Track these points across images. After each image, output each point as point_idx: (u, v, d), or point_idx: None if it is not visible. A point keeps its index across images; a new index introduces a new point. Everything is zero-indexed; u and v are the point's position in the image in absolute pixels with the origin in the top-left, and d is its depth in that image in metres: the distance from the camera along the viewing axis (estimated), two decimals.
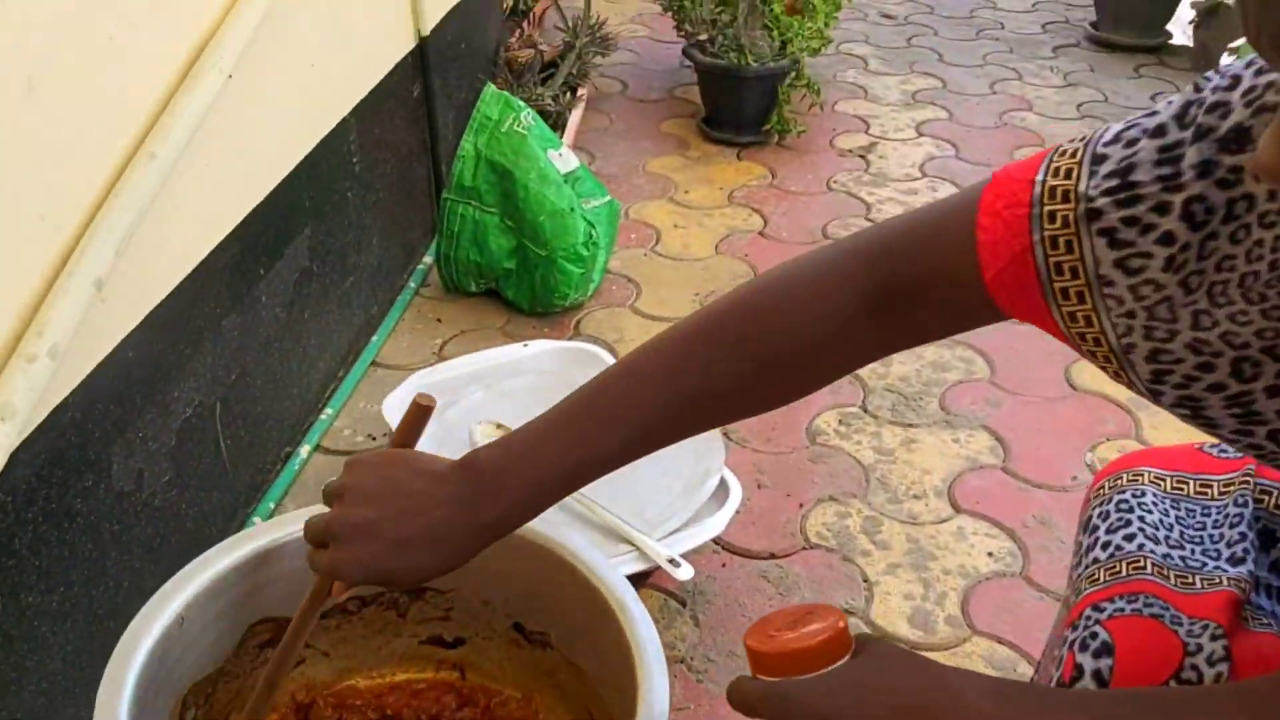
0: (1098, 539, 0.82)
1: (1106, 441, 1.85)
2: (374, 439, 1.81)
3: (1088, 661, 0.70)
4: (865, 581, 1.57)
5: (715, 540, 1.56)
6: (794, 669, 0.64)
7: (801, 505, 1.70)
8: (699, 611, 1.50)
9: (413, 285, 2.22)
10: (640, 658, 0.84)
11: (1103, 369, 0.61)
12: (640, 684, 0.82)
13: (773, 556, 1.60)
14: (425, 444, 1.47)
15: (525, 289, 2.10)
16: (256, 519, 1.61)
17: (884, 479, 1.76)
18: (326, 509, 0.77)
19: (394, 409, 1.62)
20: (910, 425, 1.88)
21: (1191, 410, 0.58)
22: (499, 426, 1.50)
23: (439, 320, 2.14)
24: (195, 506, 1.48)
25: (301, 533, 0.91)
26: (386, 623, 1.01)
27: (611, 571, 0.92)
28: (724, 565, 1.57)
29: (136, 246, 1.20)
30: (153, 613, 0.84)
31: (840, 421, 1.89)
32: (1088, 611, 0.75)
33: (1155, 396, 0.59)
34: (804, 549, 1.62)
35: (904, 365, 2.03)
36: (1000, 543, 1.64)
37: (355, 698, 1.00)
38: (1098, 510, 0.84)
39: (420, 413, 0.78)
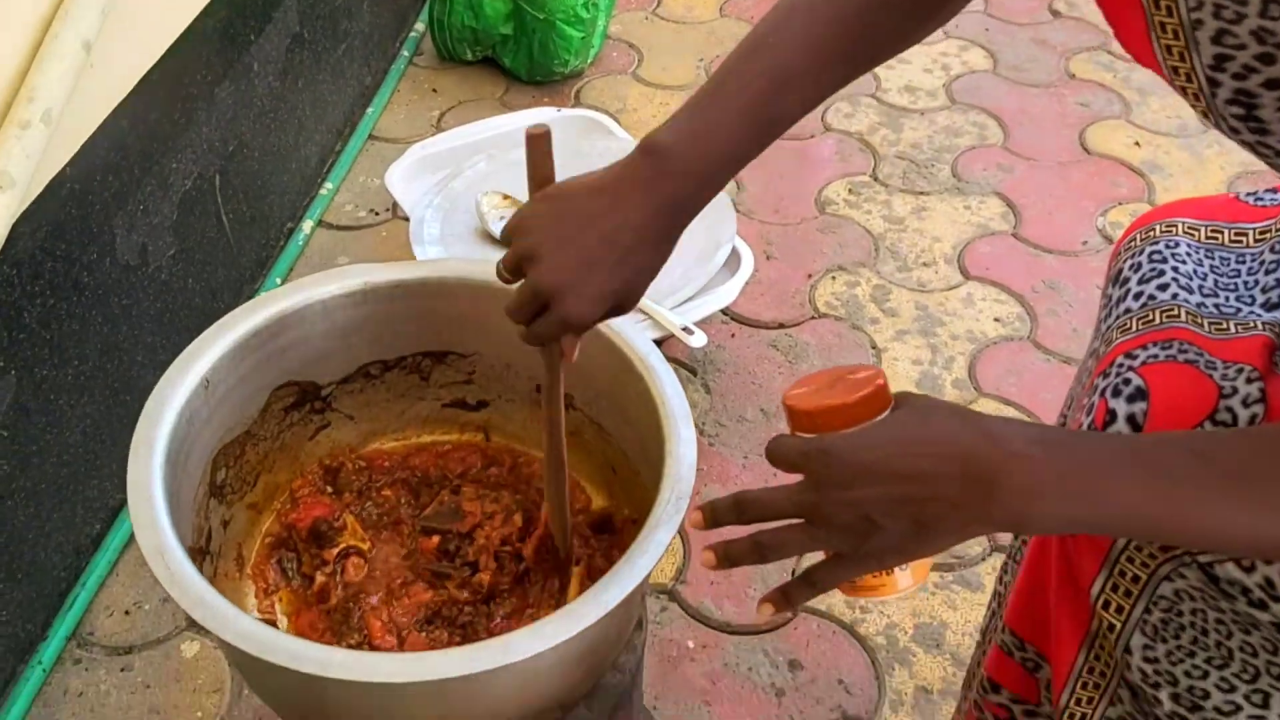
0: (1129, 290, 0.80)
1: (1118, 206, 1.83)
2: (376, 214, 1.78)
3: (1120, 406, 0.70)
4: (873, 348, 1.58)
5: (724, 311, 1.56)
6: (834, 425, 0.64)
7: (810, 275, 1.69)
8: (709, 379, 1.51)
9: (406, 54, 2.13)
10: (666, 414, 0.84)
11: (1167, 50, 0.57)
12: (667, 438, 0.82)
13: (781, 326, 1.60)
14: (431, 216, 1.45)
15: (523, 55, 2.02)
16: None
17: (893, 248, 1.75)
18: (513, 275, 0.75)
19: (397, 181, 1.58)
20: (921, 193, 1.85)
21: (1245, 110, 0.55)
22: (506, 198, 1.46)
23: (435, 91, 2.07)
24: (202, 281, 1.47)
25: (321, 297, 0.90)
26: (410, 386, 1.01)
27: (637, 333, 0.91)
28: (733, 335, 1.57)
29: (122, 9, 1.14)
30: (177, 376, 0.83)
31: (850, 191, 1.86)
32: (1120, 359, 0.74)
33: (1213, 89, 0.55)
34: (813, 318, 1.62)
35: (915, 131, 1.98)
36: (1008, 308, 1.64)
37: (383, 459, 1.01)
38: (1129, 262, 0.83)
39: (538, 142, 0.74)
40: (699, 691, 1.17)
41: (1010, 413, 1.48)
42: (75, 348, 1.21)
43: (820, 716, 1.16)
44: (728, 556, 0.66)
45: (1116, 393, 0.72)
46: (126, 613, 1.25)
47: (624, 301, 0.74)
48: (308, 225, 1.72)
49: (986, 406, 1.49)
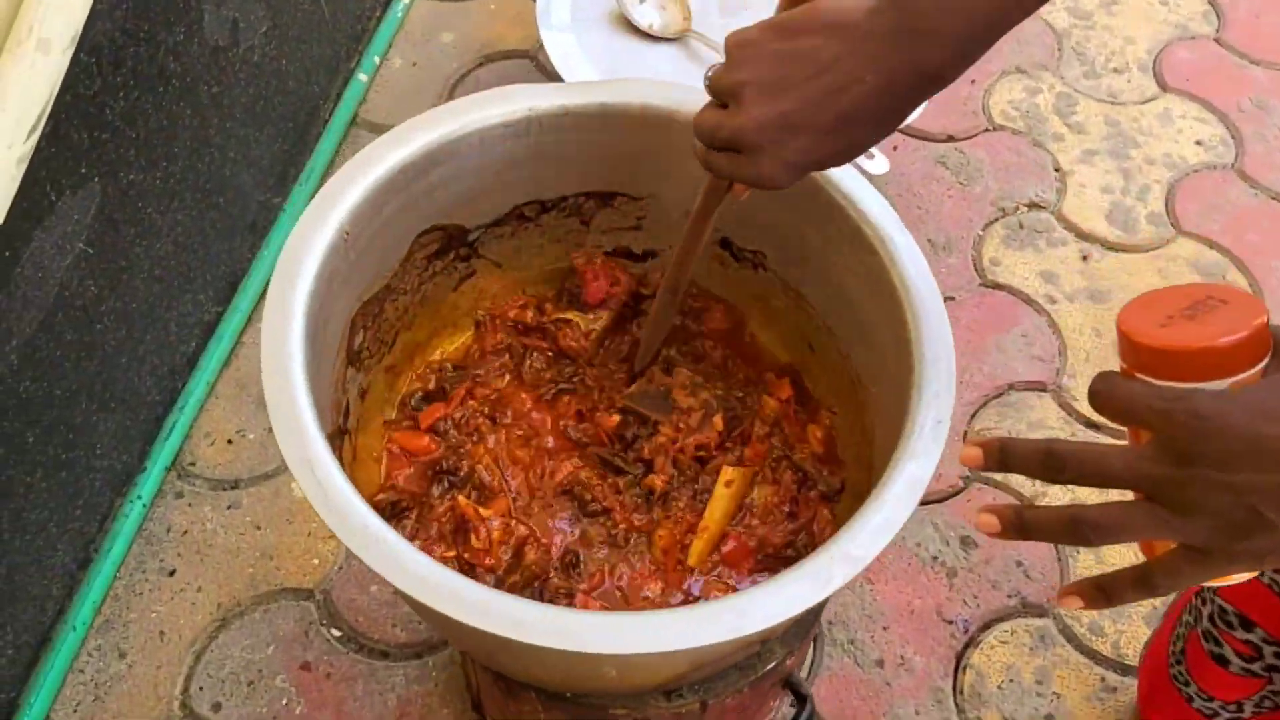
0: None
1: None
2: None
3: None
4: (1057, 171, 1.37)
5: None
6: (1195, 373, 0.48)
7: (983, 78, 1.47)
8: None
9: None
10: (911, 305, 0.68)
11: None
12: (915, 339, 0.66)
13: (951, 139, 1.39)
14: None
15: None
16: (361, 75, 1.41)
17: (1080, 48, 1.51)
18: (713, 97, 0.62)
19: None
20: None
21: None
22: None
23: None
24: (296, 61, 1.28)
25: (479, 126, 0.73)
26: (568, 231, 0.85)
27: (861, 186, 0.73)
28: (895, 149, 1.37)
29: None
30: (311, 230, 0.67)
31: None
32: None
33: None
34: (986, 130, 1.41)
35: None
36: (1211, 128, 1.42)
37: (515, 311, 0.86)
38: None
39: None
40: None
41: (1211, 256, 1.29)
42: (163, 146, 1.04)
43: (996, 603, 1.04)
44: (1024, 527, 0.51)
45: None
46: (229, 442, 1.14)
47: (827, 168, 0.62)
48: None
49: (1185, 249, 1.30)
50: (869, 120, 0.58)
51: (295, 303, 0.64)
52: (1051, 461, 0.50)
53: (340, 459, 0.62)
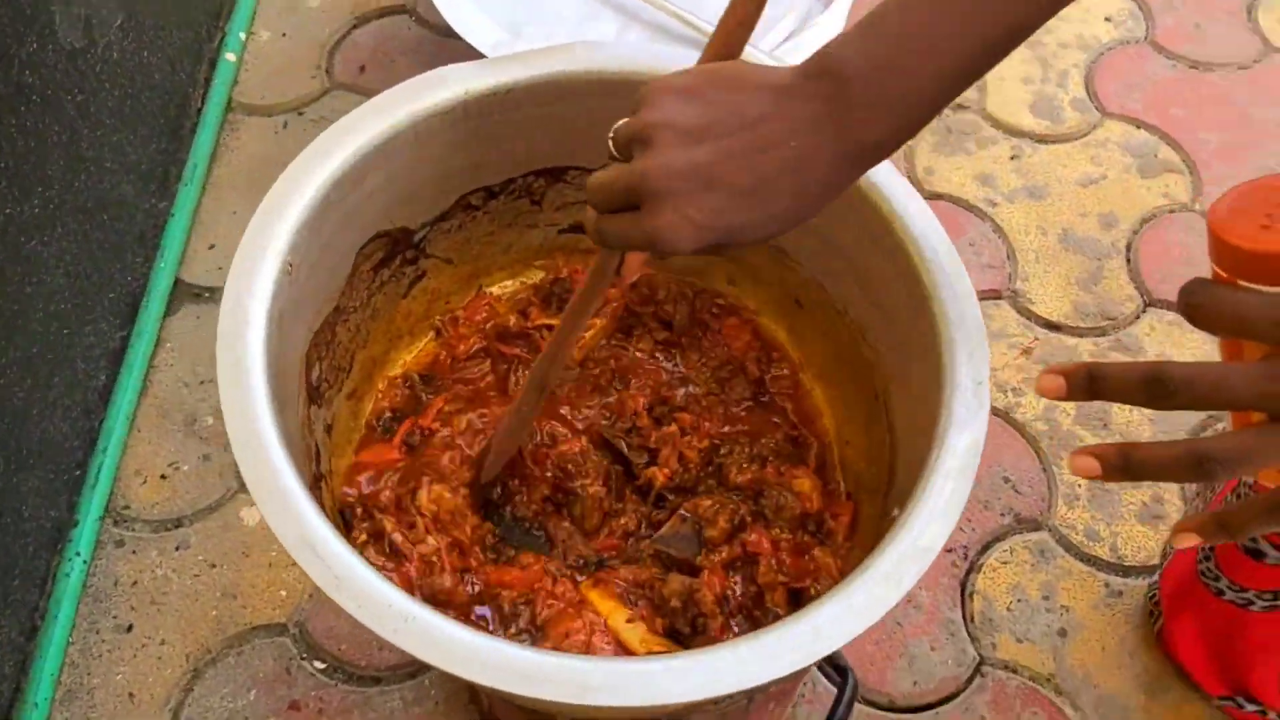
0: None
1: None
2: None
3: None
4: None
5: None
6: None
7: None
8: None
9: None
10: (921, 255, 0.63)
11: None
12: (929, 288, 0.62)
13: None
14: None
15: None
16: (229, 55, 1.29)
17: None
18: (614, 160, 0.53)
19: None
20: None
21: None
22: None
23: None
24: (157, 51, 1.16)
25: (411, 120, 0.66)
26: (519, 214, 0.78)
27: (898, 183, 0.68)
28: None
29: None
30: (251, 269, 0.60)
31: None
32: None
33: None
34: None
35: None
36: (1118, 2, 1.40)
37: (484, 313, 0.79)
38: None
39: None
40: None
41: (1142, 137, 1.28)
42: (35, 171, 0.93)
43: (990, 524, 1.03)
44: (1132, 467, 0.47)
45: None
46: (163, 477, 1.05)
47: (733, 243, 0.52)
48: None
49: (1114, 131, 1.28)
50: (789, 190, 0.50)
51: (252, 362, 0.57)
52: (1160, 387, 0.45)
53: (324, 508, 0.56)
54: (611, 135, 0.54)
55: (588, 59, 0.69)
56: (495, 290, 0.81)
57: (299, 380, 0.65)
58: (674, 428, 0.73)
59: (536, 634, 0.67)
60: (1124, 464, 0.48)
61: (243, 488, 1.04)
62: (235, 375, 0.55)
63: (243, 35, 1.31)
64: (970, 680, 0.96)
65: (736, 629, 0.69)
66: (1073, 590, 1.00)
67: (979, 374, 0.58)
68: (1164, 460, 0.47)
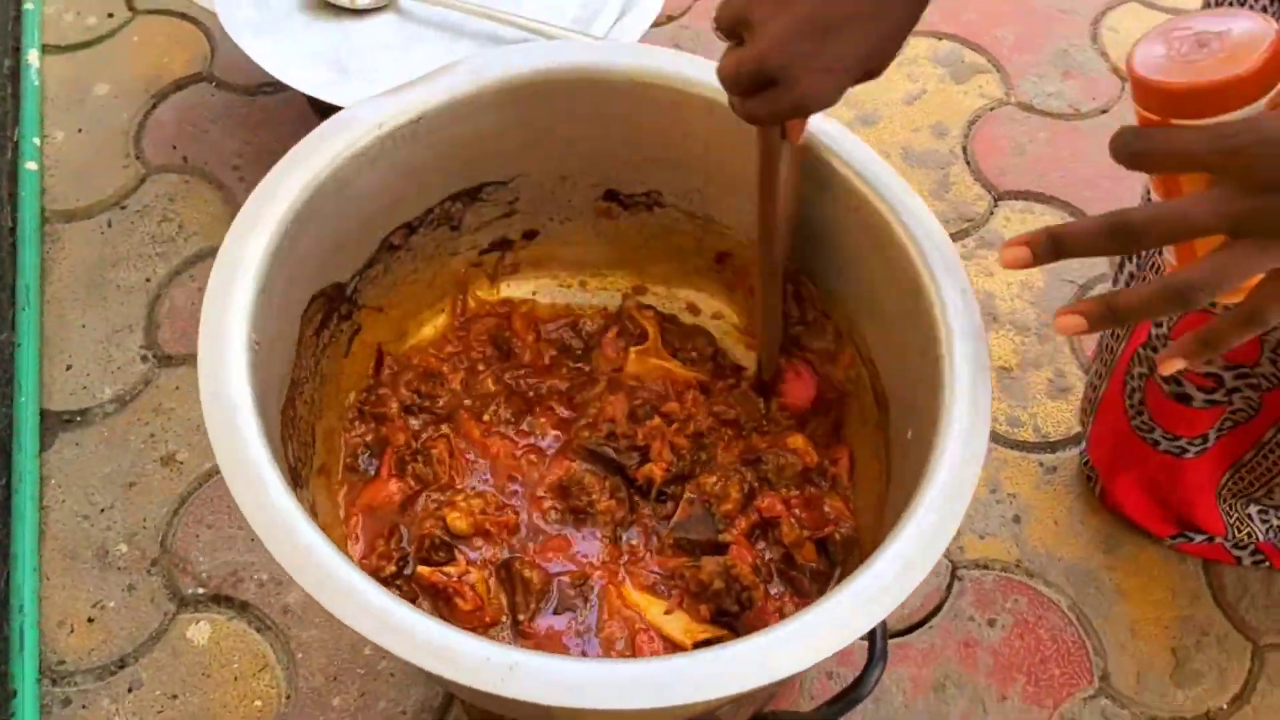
0: None
1: None
2: (111, 15, 1.35)
3: None
4: None
5: (670, 16, 1.33)
6: (1236, 101, 0.47)
7: None
8: None
9: None
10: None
11: None
12: (918, 259, 0.62)
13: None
14: None
15: None
16: (29, 164, 1.19)
17: None
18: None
19: None
20: None
21: None
22: None
23: None
24: None
25: (331, 169, 0.63)
26: (440, 243, 0.75)
27: (907, 197, 0.68)
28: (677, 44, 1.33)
29: None
30: (221, 357, 0.55)
31: None
32: None
33: None
34: None
35: None
36: None
37: (421, 359, 0.76)
38: None
39: None
40: None
41: (946, 47, 1.35)
42: None
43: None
44: (1117, 313, 0.50)
45: None
46: (90, 620, 0.97)
47: (876, 68, 0.55)
48: (33, 56, 1.28)
49: (920, 47, 1.35)
50: (890, 4, 0.52)
51: (257, 455, 0.53)
52: (1125, 233, 0.48)
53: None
54: (715, 26, 0.55)
55: (483, 72, 0.67)
56: (429, 333, 0.78)
57: (284, 471, 0.61)
58: (658, 420, 0.73)
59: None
60: (1109, 311, 0.50)
61: (182, 608, 0.97)
62: (257, 494, 0.51)
63: (37, 141, 1.22)
64: (950, 587, 1.00)
65: (775, 593, 0.69)
66: (1014, 477, 1.05)
67: (961, 284, 0.60)
68: (1146, 298, 0.49)
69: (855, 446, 0.74)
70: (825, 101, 0.53)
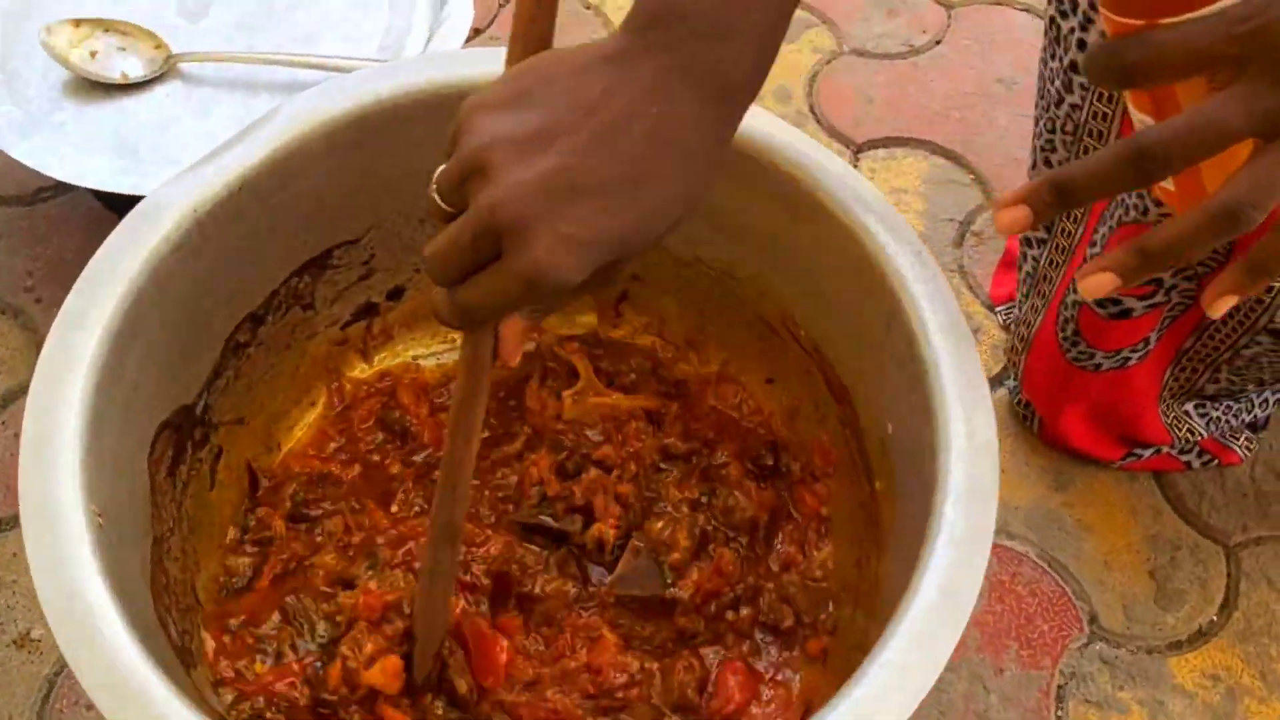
0: None
1: None
2: None
3: None
4: None
5: (477, 29, 1.21)
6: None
7: None
8: None
9: None
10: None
11: None
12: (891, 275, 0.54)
13: None
14: None
15: None
16: None
17: None
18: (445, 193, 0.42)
19: None
20: None
21: None
22: (83, 25, 0.96)
23: None
24: None
25: (146, 273, 0.51)
26: (294, 327, 0.63)
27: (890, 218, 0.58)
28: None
29: None
30: (53, 539, 0.43)
31: None
32: None
33: None
34: None
35: None
36: None
37: (302, 465, 0.64)
38: None
39: None
40: None
41: None
42: None
43: None
44: (1169, 252, 0.43)
45: None
46: None
47: (631, 252, 0.43)
48: None
49: None
50: (668, 166, 0.42)
51: (150, 687, 0.40)
52: (1148, 159, 0.41)
53: None
54: (434, 187, 0.42)
55: (299, 119, 0.55)
56: (302, 436, 0.66)
57: (167, 655, 0.48)
58: (594, 472, 0.62)
59: None
60: (1144, 260, 0.43)
61: None
62: (125, 695, 0.39)
63: None
64: None
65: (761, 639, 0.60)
66: None
67: (914, 246, 0.52)
68: (1190, 232, 0.42)
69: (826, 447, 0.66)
70: (562, 280, 0.40)
